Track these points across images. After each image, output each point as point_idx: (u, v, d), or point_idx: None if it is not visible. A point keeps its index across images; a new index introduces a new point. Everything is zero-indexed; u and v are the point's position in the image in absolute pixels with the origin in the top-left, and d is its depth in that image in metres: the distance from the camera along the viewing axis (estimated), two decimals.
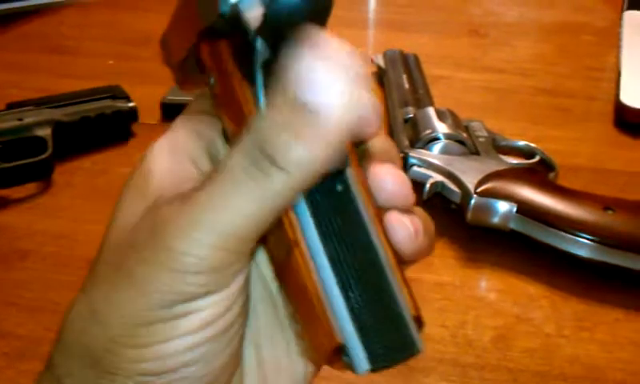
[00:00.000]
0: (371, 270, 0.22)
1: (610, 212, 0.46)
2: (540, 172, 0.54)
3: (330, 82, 0.20)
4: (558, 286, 0.47)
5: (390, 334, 0.22)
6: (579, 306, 0.45)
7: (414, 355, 0.22)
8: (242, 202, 0.20)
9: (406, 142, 0.55)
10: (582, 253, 0.45)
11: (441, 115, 0.56)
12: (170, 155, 0.25)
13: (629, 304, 0.45)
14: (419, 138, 0.54)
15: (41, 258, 0.49)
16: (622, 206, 0.47)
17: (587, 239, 0.45)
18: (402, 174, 0.24)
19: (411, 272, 0.49)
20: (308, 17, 0.20)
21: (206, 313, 0.21)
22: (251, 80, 0.22)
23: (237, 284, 0.22)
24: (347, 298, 0.21)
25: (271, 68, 0.22)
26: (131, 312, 0.21)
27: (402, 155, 0.52)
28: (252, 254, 0.22)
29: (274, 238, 0.23)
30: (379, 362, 0.21)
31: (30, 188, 0.56)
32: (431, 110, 0.57)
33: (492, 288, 0.47)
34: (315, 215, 0.22)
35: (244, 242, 0.21)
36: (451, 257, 0.49)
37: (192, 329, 0.21)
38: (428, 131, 0.54)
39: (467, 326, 0.44)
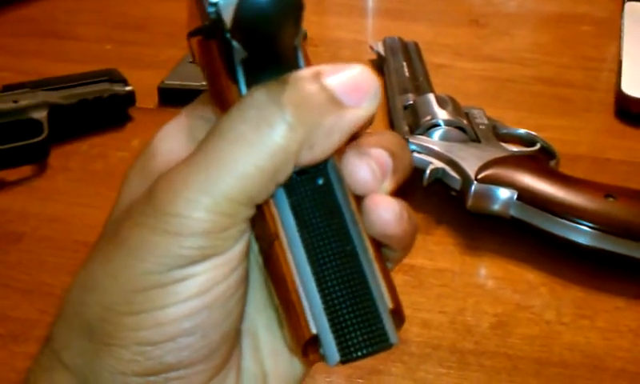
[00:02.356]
0: (348, 263, 0.22)
1: (610, 199, 0.46)
2: (541, 159, 0.54)
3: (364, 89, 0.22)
4: (558, 274, 0.46)
5: (362, 326, 0.22)
6: (579, 293, 0.45)
7: (385, 348, 0.22)
8: (236, 160, 0.20)
9: (406, 128, 0.55)
10: (583, 240, 0.45)
11: (441, 102, 0.55)
12: (177, 139, 0.25)
13: (629, 292, 0.45)
14: (419, 124, 0.54)
15: (35, 240, 0.49)
16: (623, 193, 0.47)
17: (588, 227, 0.45)
18: (374, 163, 0.23)
19: (410, 258, 0.48)
20: (280, 17, 0.20)
21: (204, 277, 0.21)
22: (234, 79, 0.23)
23: (235, 251, 0.22)
24: (322, 290, 0.22)
25: (254, 67, 0.22)
26: (126, 278, 0.21)
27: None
28: (248, 223, 0.22)
29: (259, 230, 0.23)
30: (350, 354, 0.21)
31: (26, 171, 0.56)
32: (431, 97, 0.56)
33: (491, 275, 0.47)
34: (294, 208, 0.22)
35: (237, 204, 0.21)
36: (451, 243, 0.49)
37: (189, 295, 0.21)
38: (428, 117, 0.54)
39: (466, 313, 0.43)
